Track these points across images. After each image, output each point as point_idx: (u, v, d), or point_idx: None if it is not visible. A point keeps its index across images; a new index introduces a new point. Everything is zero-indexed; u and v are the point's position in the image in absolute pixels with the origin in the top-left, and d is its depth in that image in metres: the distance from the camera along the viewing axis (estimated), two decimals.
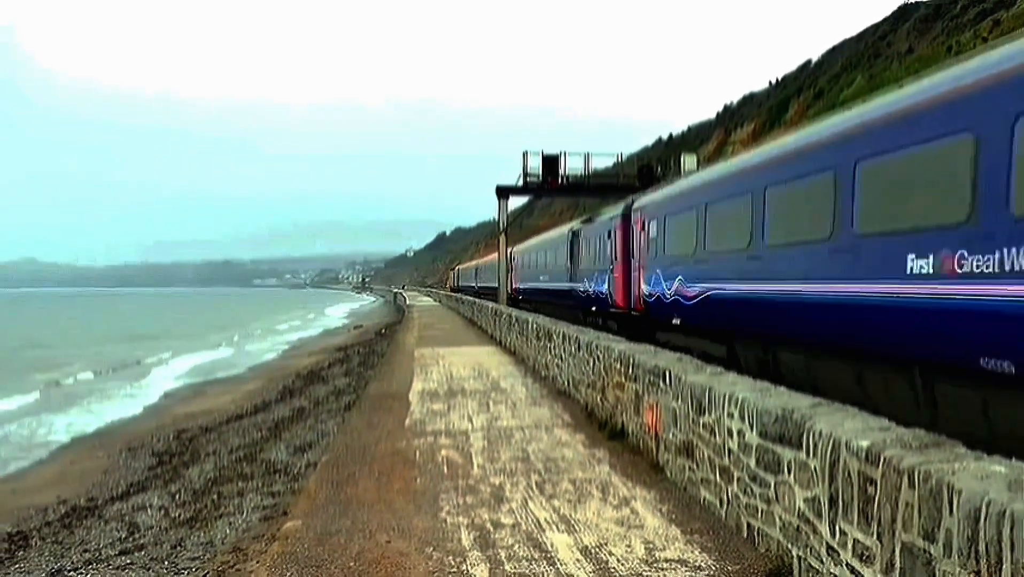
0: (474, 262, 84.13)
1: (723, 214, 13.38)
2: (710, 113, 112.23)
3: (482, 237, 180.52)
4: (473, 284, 68.01)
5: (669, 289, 15.84)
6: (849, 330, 9.38)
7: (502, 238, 34.81)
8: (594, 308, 22.57)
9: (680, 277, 15.21)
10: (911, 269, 8.01)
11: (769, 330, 11.73)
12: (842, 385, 9.46)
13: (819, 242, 9.92)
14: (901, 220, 8.34)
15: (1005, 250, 6.76)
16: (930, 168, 7.97)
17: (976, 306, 7.12)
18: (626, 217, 19.71)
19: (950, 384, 7.78)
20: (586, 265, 24.08)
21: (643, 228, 18.12)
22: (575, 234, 26.25)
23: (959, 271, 7.31)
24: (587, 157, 33.94)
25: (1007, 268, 6.73)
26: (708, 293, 13.78)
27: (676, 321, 15.63)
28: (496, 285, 45.84)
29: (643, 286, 17.80)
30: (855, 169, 9.21)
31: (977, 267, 7.10)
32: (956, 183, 7.47)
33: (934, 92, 8.15)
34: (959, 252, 7.32)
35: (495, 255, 57.71)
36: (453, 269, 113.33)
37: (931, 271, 7.71)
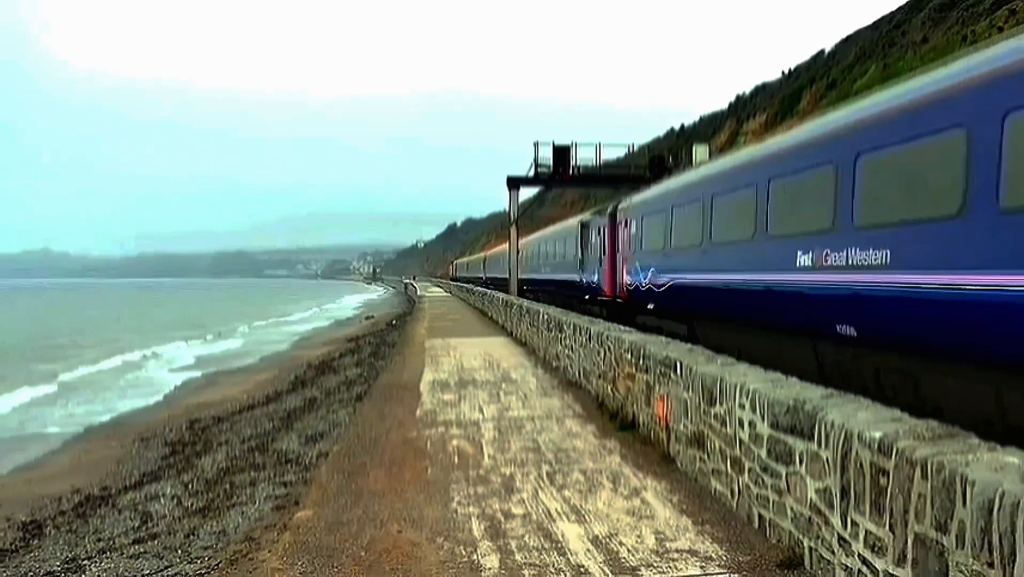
0: (466, 258, 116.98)
1: (547, 250, 34.47)
2: (722, 103, 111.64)
3: (493, 228, 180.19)
4: (466, 274, 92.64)
5: (539, 275, 36.10)
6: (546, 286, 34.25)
7: (513, 229, 34.76)
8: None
9: (534, 274, 36.74)
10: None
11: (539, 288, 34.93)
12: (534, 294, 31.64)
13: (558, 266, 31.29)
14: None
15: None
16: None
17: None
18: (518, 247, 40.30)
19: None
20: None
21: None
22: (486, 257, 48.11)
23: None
24: (598, 147, 33.79)
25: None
26: (533, 278, 36.72)
27: (526, 287, 36.88)
28: (480, 275, 71.46)
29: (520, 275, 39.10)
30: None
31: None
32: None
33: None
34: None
35: (481, 254, 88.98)
36: (452, 263, 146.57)
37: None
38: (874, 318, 8.66)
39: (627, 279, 19.61)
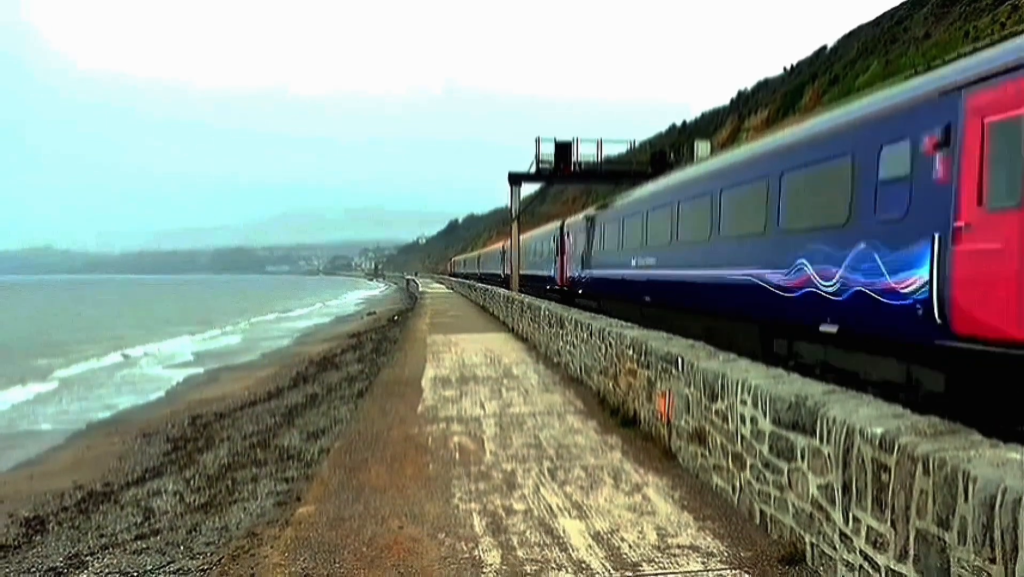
0: (464, 255, 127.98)
1: (526, 250, 39.36)
2: (724, 99, 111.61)
3: (494, 224, 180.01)
4: (464, 270, 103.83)
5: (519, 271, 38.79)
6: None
7: (514, 225, 34.76)
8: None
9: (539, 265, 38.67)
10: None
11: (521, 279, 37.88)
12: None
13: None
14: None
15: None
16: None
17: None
18: (503, 248, 46.79)
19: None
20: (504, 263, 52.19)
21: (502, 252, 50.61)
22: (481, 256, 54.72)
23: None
24: (600, 144, 33.78)
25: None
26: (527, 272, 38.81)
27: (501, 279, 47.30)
28: (476, 271, 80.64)
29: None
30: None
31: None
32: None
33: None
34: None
35: (476, 252, 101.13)
36: (450, 260, 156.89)
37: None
38: (654, 292, 17.54)
39: (568, 273, 29.26)
